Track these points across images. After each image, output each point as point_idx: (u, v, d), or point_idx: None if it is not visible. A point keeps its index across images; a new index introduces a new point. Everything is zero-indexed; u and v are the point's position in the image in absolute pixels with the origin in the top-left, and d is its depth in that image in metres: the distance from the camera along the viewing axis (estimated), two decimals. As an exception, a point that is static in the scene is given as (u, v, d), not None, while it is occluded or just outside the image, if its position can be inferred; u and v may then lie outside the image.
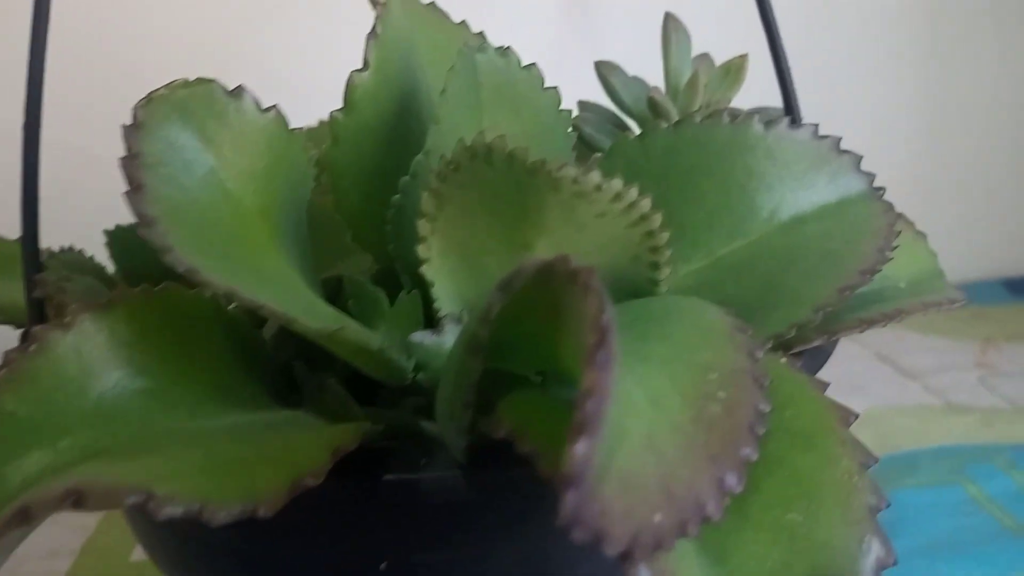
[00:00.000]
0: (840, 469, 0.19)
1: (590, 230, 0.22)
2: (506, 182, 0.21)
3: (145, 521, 0.27)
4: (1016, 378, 0.57)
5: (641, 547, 0.14)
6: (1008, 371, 0.58)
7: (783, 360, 0.22)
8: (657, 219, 0.22)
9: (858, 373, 0.61)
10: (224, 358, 0.24)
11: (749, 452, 0.17)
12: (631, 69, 0.35)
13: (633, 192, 0.21)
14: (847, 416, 0.20)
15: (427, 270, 0.23)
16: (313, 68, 0.49)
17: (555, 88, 0.27)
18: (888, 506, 0.19)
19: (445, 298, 0.24)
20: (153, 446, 0.20)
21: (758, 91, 0.34)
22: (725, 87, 0.33)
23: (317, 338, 0.21)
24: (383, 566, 0.24)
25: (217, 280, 0.20)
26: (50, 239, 0.31)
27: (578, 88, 0.34)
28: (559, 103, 0.27)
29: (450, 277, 0.24)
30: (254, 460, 0.20)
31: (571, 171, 0.20)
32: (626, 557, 0.15)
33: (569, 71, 0.34)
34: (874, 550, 0.18)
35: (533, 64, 0.26)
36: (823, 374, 0.61)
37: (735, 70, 0.32)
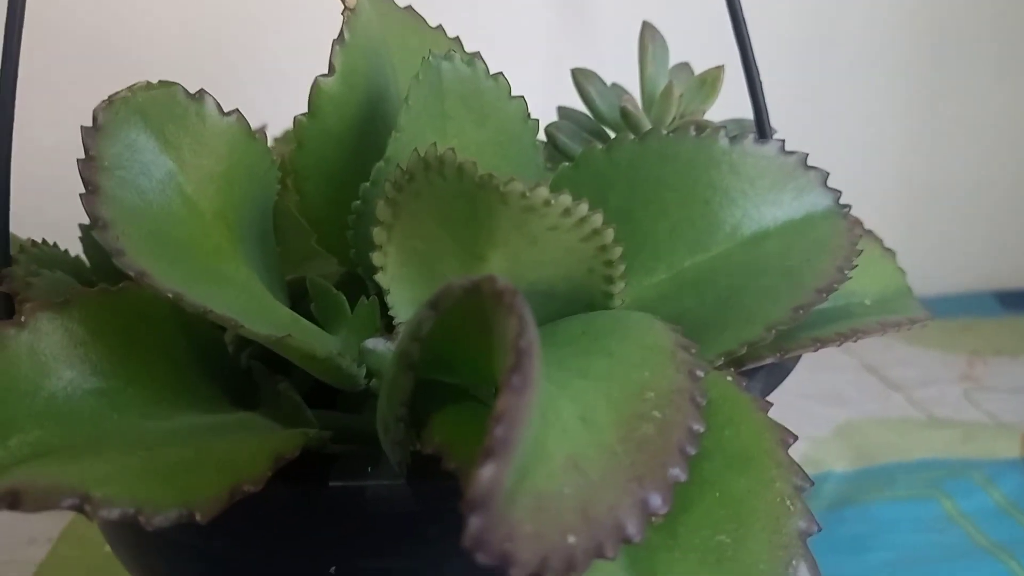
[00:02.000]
0: (773, 492, 0.19)
1: (543, 243, 0.22)
2: (458, 194, 0.21)
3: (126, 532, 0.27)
4: (1000, 393, 0.57)
5: (551, 570, 0.15)
6: (993, 386, 0.58)
7: (729, 379, 0.22)
8: (609, 233, 0.22)
9: (842, 384, 0.61)
10: (182, 359, 0.24)
11: (678, 473, 0.18)
12: (626, 77, 0.35)
13: (583, 207, 0.21)
14: (786, 438, 0.20)
15: (382, 278, 0.23)
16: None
17: (521, 97, 0.27)
18: (818, 525, 0.20)
19: (400, 306, 0.24)
20: (99, 448, 0.20)
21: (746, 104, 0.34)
22: (701, 98, 0.33)
23: (265, 343, 0.21)
24: (332, 570, 0.24)
25: (165, 284, 0.20)
26: (44, 233, 0.31)
27: (573, 95, 0.34)
28: (526, 112, 0.27)
29: (406, 285, 0.24)
30: (195, 465, 0.20)
31: (519, 186, 0.20)
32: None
33: (565, 78, 0.34)
34: (801, 574, 0.18)
35: (500, 73, 0.26)
36: (803, 384, 0.61)
37: (711, 81, 0.32)
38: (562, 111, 0.35)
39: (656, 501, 0.17)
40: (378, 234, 0.23)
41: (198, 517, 0.19)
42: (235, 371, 0.26)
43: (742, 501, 0.19)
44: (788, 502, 0.19)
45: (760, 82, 0.29)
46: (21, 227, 0.31)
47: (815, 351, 0.26)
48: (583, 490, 0.16)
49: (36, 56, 0.54)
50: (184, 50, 0.58)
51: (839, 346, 0.26)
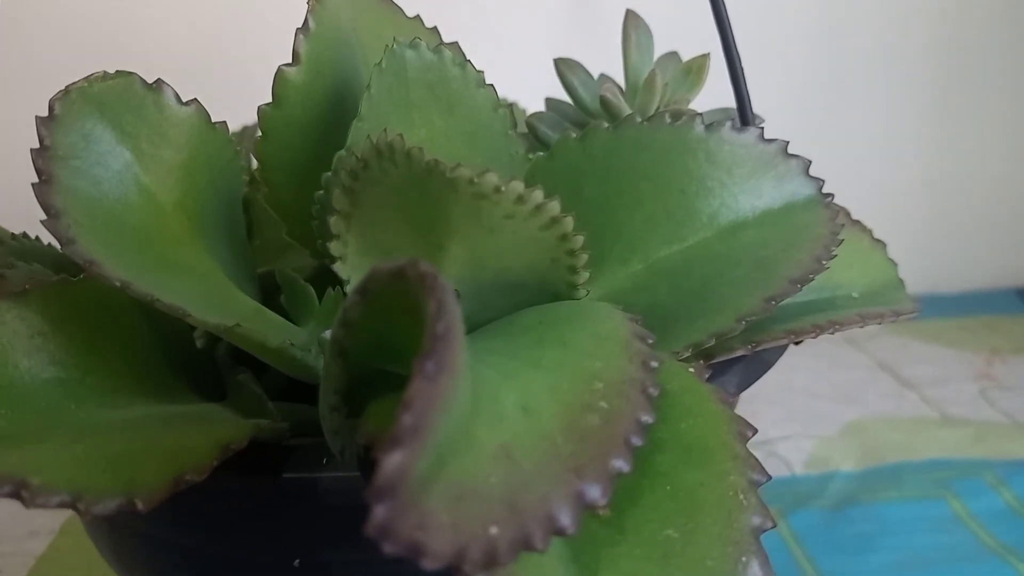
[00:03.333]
0: (726, 486, 0.19)
1: (501, 232, 0.22)
2: (411, 182, 0.21)
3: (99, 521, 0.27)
4: (1018, 392, 0.55)
5: (470, 561, 0.14)
6: (1011, 385, 0.56)
7: (691, 370, 0.22)
8: (568, 223, 0.22)
9: (856, 381, 0.59)
10: (146, 351, 0.24)
11: (621, 464, 0.17)
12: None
13: (537, 194, 0.21)
14: (744, 431, 0.20)
15: (341, 267, 0.23)
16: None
17: (491, 86, 0.26)
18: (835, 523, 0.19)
19: (362, 296, 0.24)
20: (46, 436, 0.20)
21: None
22: (687, 87, 0.32)
23: (215, 332, 0.21)
24: (296, 563, 0.24)
25: (113, 272, 0.20)
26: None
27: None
28: (496, 101, 0.26)
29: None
30: (140, 453, 0.20)
31: (466, 172, 0.19)
32: (457, 571, 0.14)
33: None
34: (752, 572, 0.18)
35: (467, 61, 0.26)
36: (813, 383, 0.59)
37: (696, 70, 0.32)
38: (549, 102, 0.35)
39: (594, 493, 0.16)
40: (336, 223, 0.22)
41: (139, 505, 0.19)
42: (204, 364, 0.26)
43: (693, 495, 0.19)
44: (742, 496, 0.18)
45: (742, 69, 0.29)
46: (8, 222, 0.31)
47: (791, 343, 0.25)
48: (513, 480, 0.16)
49: (26, 50, 0.55)
50: (193, 50, 0.59)
51: (815, 338, 0.25)
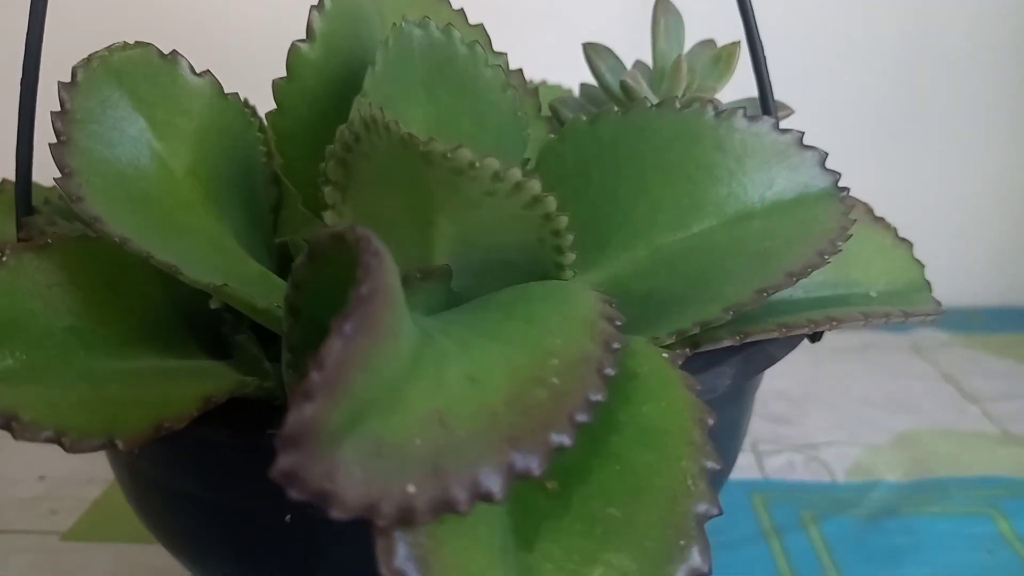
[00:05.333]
0: (676, 470, 0.19)
1: (485, 209, 0.22)
2: (395, 155, 0.21)
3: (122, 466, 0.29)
4: (1089, 413, 0.52)
5: (383, 515, 0.15)
6: (1084, 405, 0.53)
7: (664, 355, 0.21)
8: (551, 202, 0.22)
9: (916, 391, 0.57)
10: (158, 307, 0.26)
11: (563, 439, 0.17)
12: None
13: (515, 172, 0.21)
14: (705, 417, 0.20)
15: (335, 237, 0.24)
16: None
17: (499, 66, 0.26)
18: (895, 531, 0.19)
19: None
20: (51, 378, 0.22)
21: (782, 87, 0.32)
22: (716, 75, 0.32)
23: (206, 290, 0.22)
24: (288, 518, 0.25)
25: (114, 229, 0.21)
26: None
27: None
28: (505, 82, 0.27)
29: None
30: (129, 400, 0.21)
31: (439, 146, 0.20)
32: (375, 525, 0.15)
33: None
34: (690, 558, 0.18)
35: (475, 42, 0.26)
36: (870, 390, 0.57)
37: (726, 58, 0.31)
38: (583, 88, 0.35)
39: (528, 463, 0.17)
40: (330, 194, 0.23)
41: (120, 445, 0.20)
42: (214, 324, 0.27)
43: (642, 476, 0.19)
44: (690, 481, 0.18)
45: (765, 58, 0.28)
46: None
47: (781, 336, 0.25)
48: (441, 443, 0.16)
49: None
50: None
51: (809, 333, 0.25)
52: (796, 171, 0.27)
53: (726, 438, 0.31)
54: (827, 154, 0.27)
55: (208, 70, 0.25)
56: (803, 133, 0.27)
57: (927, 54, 0.66)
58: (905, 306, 0.28)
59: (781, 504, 0.45)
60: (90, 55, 0.23)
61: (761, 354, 0.27)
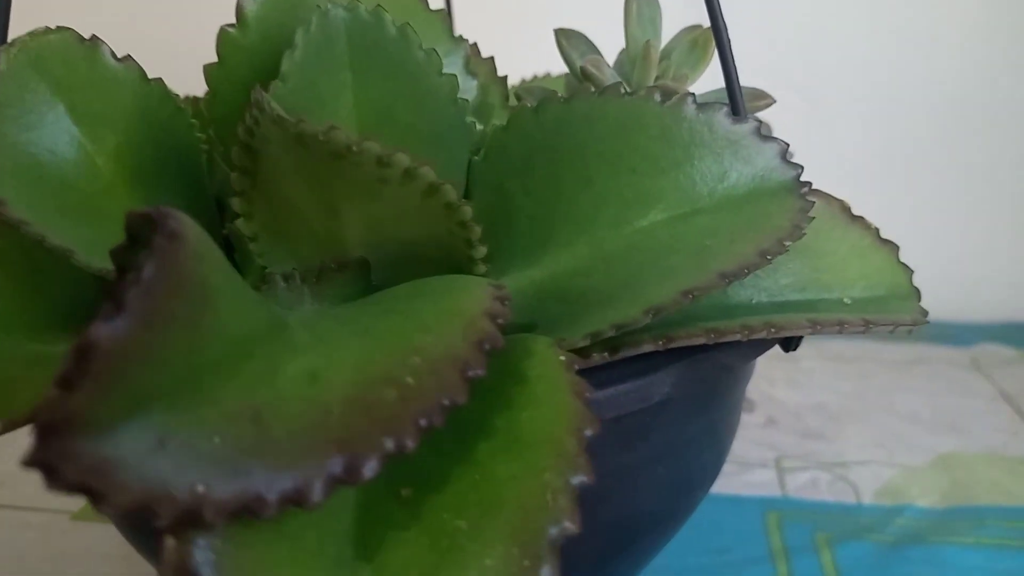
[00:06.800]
0: (537, 483, 0.17)
1: (384, 199, 0.21)
2: (280, 138, 0.20)
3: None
4: None
5: (162, 515, 0.14)
6: None
7: (562, 359, 0.20)
8: (449, 191, 0.21)
9: (968, 410, 0.53)
10: (87, 290, 0.25)
11: (406, 443, 0.16)
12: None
13: (402, 157, 0.20)
14: (584, 427, 0.18)
15: (245, 225, 0.23)
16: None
17: (433, 50, 0.25)
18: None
19: (272, 255, 0.24)
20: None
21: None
22: (692, 62, 0.29)
23: (99, 275, 0.22)
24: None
25: (14, 212, 0.21)
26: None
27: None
28: (440, 66, 0.25)
29: (278, 236, 0.24)
30: (33, 382, 0.21)
31: (311, 127, 0.19)
32: (162, 527, 0.14)
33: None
34: (538, 577, 0.16)
35: (407, 24, 0.25)
36: (919, 407, 0.53)
37: (702, 43, 0.29)
38: (567, 77, 0.33)
39: (355, 468, 0.15)
40: (237, 180, 0.23)
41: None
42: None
43: (499, 488, 0.17)
44: (549, 496, 0.17)
45: (729, 42, 0.26)
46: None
47: (710, 342, 0.22)
48: (249, 443, 0.15)
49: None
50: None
51: (744, 340, 0.22)
52: (750, 163, 0.24)
53: (693, 450, 0.29)
54: (788, 145, 0.25)
55: (129, 55, 0.25)
56: (761, 123, 0.24)
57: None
58: (884, 314, 0.25)
59: (796, 525, 0.42)
60: (13, 40, 0.23)
61: (708, 362, 0.24)
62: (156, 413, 0.14)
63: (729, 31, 0.26)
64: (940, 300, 0.67)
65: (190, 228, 0.15)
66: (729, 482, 0.46)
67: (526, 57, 0.42)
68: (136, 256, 0.16)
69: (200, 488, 0.14)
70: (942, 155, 0.65)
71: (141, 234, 0.15)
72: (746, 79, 0.27)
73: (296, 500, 0.15)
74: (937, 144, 0.64)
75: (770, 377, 0.58)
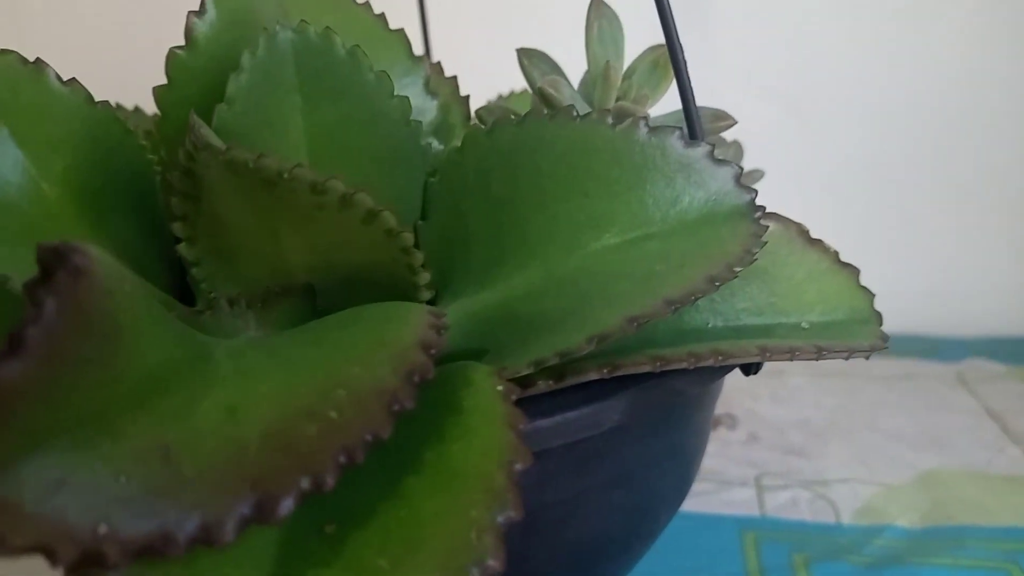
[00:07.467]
0: (463, 520, 0.17)
1: (322, 224, 0.21)
2: (213, 163, 0.20)
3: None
4: None
5: (60, 558, 0.13)
6: None
7: (500, 388, 0.19)
8: (389, 218, 0.21)
9: (953, 427, 0.52)
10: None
11: (324, 480, 0.16)
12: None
13: (336, 184, 0.20)
14: (515, 461, 0.18)
15: (187, 250, 0.23)
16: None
17: (384, 72, 0.25)
18: None
19: (217, 279, 0.23)
20: None
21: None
22: (654, 82, 0.29)
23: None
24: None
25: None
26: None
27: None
28: (391, 89, 0.25)
29: (221, 259, 0.23)
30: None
31: (242, 154, 0.19)
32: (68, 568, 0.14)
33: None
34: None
35: (356, 46, 0.25)
36: (903, 424, 0.53)
37: (663, 63, 0.29)
38: (534, 99, 0.33)
39: (270, 506, 0.15)
40: (177, 204, 0.22)
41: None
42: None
43: (425, 524, 0.17)
44: (474, 535, 0.16)
45: (685, 63, 0.26)
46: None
47: (655, 370, 0.22)
48: (157, 482, 0.15)
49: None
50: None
51: (691, 368, 0.22)
52: (703, 187, 0.24)
53: (653, 473, 0.28)
54: (742, 169, 0.24)
55: (75, 78, 0.24)
56: (713, 147, 0.24)
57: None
58: (842, 339, 0.25)
59: (774, 545, 0.42)
60: (-43, 64, 0.23)
61: (659, 388, 0.24)
62: (56, 452, 0.14)
63: (713, 43, 0.26)
64: (927, 314, 0.66)
65: (98, 262, 0.15)
66: (707, 501, 0.45)
67: (510, 73, 0.42)
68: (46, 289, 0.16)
69: (103, 528, 0.14)
70: (930, 168, 0.64)
71: (50, 268, 0.15)
72: (732, 95, 0.26)
73: (206, 539, 0.15)
74: (925, 157, 0.64)
75: (755, 393, 0.57)
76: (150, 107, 0.37)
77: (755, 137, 0.39)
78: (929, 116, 0.63)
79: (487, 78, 0.38)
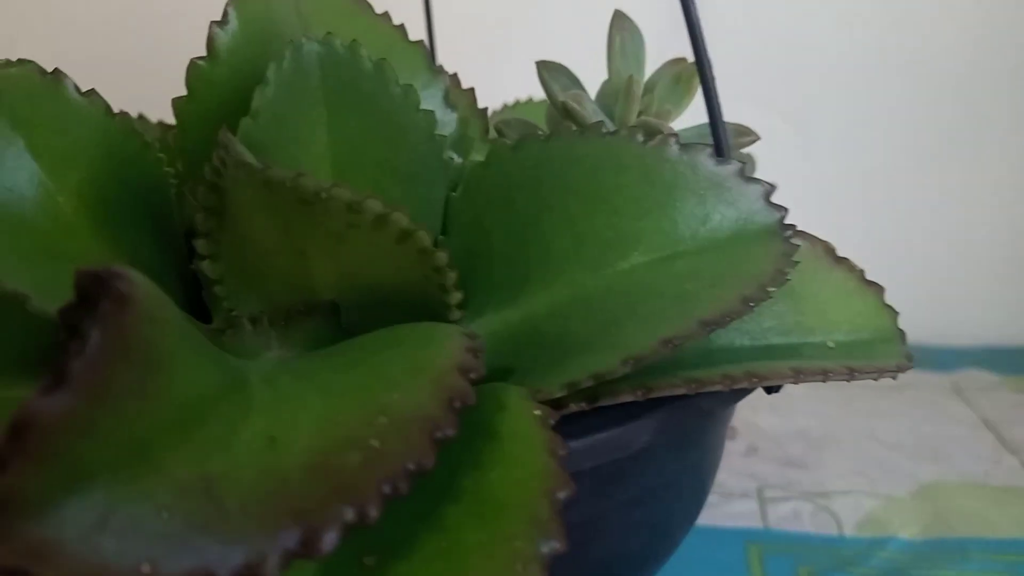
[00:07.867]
0: (507, 552, 0.16)
1: (353, 242, 0.20)
2: (246, 180, 0.20)
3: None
4: None
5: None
6: None
7: (537, 412, 0.19)
8: (424, 238, 0.20)
9: (950, 438, 0.52)
10: (46, 333, 0.25)
11: (367, 511, 0.15)
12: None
13: (373, 204, 0.19)
14: (558, 490, 0.17)
15: (210, 267, 0.22)
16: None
17: (410, 86, 0.25)
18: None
19: (239, 297, 0.23)
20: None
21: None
22: (676, 98, 0.29)
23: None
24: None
25: (-35, 255, 0.20)
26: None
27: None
28: (417, 102, 0.25)
29: (244, 277, 0.23)
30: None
31: (280, 172, 0.18)
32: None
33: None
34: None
35: (383, 60, 0.24)
36: (901, 434, 0.53)
37: (686, 78, 0.29)
38: (549, 110, 0.33)
39: (314, 540, 0.15)
40: (202, 221, 0.22)
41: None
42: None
43: (468, 556, 0.16)
44: (520, 566, 0.16)
45: (713, 79, 0.25)
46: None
47: (691, 393, 0.22)
48: (200, 517, 0.14)
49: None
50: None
51: (728, 390, 0.22)
52: (734, 206, 0.24)
53: (672, 492, 0.28)
54: (773, 187, 0.24)
55: (94, 89, 0.24)
56: (744, 164, 0.24)
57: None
58: (868, 358, 0.25)
59: (778, 558, 0.42)
60: (-28, 73, 0.23)
61: (688, 408, 0.24)
62: (98, 489, 0.13)
63: (711, 51, 0.25)
64: (922, 324, 0.66)
65: (140, 288, 0.14)
66: (711, 513, 0.45)
67: (511, 82, 0.42)
68: (84, 317, 0.16)
69: (145, 568, 0.13)
70: (925, 179, 0.65)
71: (90, 294, 0.15)
72: (729, 104, 0.26)
73: (250, 575, 0.14)
74: (920, 168, 0.64)
75: (753, 405, 0.57)
76: (152, 113, 0.37)
77: (751, 147, 0.39)
78: (924, 126, 0.64)
79: (486, 88, 0.38)
